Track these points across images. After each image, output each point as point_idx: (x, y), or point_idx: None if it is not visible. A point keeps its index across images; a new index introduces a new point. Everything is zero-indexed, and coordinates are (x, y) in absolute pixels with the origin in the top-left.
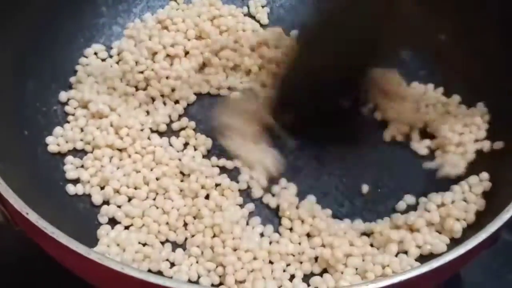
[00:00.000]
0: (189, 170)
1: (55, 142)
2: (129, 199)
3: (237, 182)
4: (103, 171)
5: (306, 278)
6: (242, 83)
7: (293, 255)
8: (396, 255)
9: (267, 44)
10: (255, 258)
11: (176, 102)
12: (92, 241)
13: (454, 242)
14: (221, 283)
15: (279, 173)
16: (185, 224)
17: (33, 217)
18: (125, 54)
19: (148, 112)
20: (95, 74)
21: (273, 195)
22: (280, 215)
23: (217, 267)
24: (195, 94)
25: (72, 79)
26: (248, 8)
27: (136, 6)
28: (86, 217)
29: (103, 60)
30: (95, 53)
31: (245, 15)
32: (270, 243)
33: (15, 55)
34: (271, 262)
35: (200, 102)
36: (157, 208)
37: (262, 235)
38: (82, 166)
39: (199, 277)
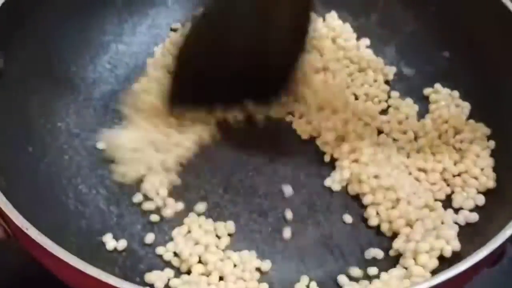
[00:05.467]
0: None
1: None
2: None
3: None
4: None
5: None
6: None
7: None
8: None
9: None
10: None
11: None
12: (92, 258)
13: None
14: None
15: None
16: None
17: (33, 232)
18: None
19: None
20: None
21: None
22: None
23: None
24: None
25: None
26: None
27: (141, 25)
28: (88, 234)
29: None
30: None
31: None
32: None
33: (20, 71)
34: None
35: None
36: None
37: None
38: None
39: None
